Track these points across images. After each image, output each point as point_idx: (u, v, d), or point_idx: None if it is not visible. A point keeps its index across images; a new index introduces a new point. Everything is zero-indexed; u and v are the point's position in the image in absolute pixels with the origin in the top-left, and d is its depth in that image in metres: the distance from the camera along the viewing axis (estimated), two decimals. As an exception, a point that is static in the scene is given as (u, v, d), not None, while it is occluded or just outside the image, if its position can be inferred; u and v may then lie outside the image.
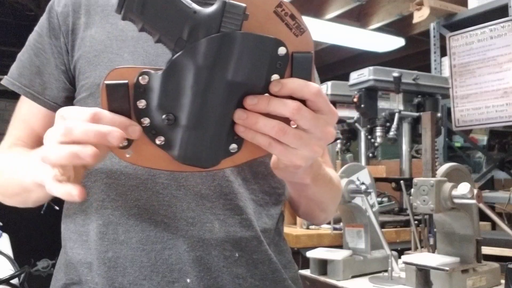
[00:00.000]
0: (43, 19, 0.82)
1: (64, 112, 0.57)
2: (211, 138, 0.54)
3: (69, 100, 0.81)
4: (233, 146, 0.56)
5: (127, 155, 0.56)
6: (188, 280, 0.71)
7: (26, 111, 0.83)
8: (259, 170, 0.79)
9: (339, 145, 2.40)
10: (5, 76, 0.82)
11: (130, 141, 0.55)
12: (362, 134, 2.32)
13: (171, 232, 0.72)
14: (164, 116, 0.53)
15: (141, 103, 0.54)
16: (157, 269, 0.71)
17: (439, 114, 2.14)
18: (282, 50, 0.52)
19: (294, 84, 0.53)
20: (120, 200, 0.74)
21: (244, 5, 0.51)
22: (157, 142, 0.55)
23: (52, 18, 0.81)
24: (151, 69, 0.54)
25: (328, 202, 0.85)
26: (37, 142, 0.78)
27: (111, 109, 0.54)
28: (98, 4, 0.80)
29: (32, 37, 0.83)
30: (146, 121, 0.55)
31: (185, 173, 0.70)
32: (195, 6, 0.51)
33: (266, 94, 0.53)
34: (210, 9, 0.51)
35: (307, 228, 1.90)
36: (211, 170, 0.57)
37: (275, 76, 0.53)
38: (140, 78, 0.54)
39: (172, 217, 0.73)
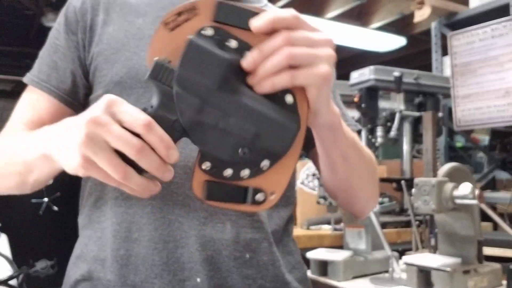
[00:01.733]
0: (61, 16, 0.84)
1: (116, 99, 0.54)
2: (273, 116, 0.53)
3: (85, 96, 0.83)
4: (288, 99, 0.54)
5: (272, 198, 0.57)
6: (198, 280, 0.72)
7: (36, 100, 0.82)
8: None
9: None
10: (27, 74, 0.84)
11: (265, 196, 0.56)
12: (363, 134, 2.31)
13: (184, 231, 0.73)
14: (240, 151, 0.54)
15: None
16: (169, 267, 0.72)
17: (440, 114, 2.13)
18: (207, 31, 0.53)
19: (268, 19, 0.52)
20: (134, 199, 0.74)
21: (155, 59, 0.53)
22: (263, 164, 0.55)
23: (70, 13, 0.82)
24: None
25: (365, 172, 0.80)
26: None
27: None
28: (116, 3, 0.82)
29: (51, 34, 0.85)
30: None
31: None
32: (151, 103, 0.54)
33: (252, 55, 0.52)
34: (156, 97, 0.53)
35: (308, 228, 1.89)
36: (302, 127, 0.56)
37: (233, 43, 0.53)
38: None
39: (186, 216, 0.73)
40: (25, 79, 0.84)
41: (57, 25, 0.84)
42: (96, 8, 0.81)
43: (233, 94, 0.53)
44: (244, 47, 0.53)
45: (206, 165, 0.55)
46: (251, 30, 0.53)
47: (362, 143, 0.82)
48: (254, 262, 0.76)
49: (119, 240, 0.74)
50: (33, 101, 0.82)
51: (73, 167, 0.55)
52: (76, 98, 0.82)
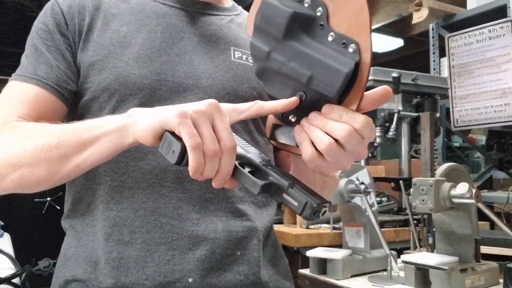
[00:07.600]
0: (46, 16, 0.82)
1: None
2: (326, 61, 0.56)
3: (75, 94, 0.81)
4: (351, 48, 0.56)
5: None
6: (190, 280, 0.74)
7: (35, 96, 0.78)
8: None
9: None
10: (16, 73, 0.80)
11: None
12: (362, 134, 2.31)
13: (177, 233, 0.75)
14: (299, 94, 0.60)
15: (291, 116, 0.62)
16: (160, 269, 0.74)
17: (438, 114, 2.15)
18: None
19: (336, 114, 0.57)
20: (125, 202, 0.75)
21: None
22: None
23: (57, 15, 0.81)
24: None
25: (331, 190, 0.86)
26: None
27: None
28: (100, 11, 0.82)
29: (38, 35, 0.81)
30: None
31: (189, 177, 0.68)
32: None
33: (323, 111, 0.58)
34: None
35: (307, 227, 1.91)
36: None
37: None
38: None
39: (178, 218, 0.75)
40: (19, 78, 0.79)
41: (43, 26, 0.81)
42: (83, 12, 0.81)
43: (296, 43, 0.59)
44: (316, 3, 0.59)
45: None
46: None
47: None
48: (245, 259, 0.78)
49: (111, 243, 0.75)
50: (27, 97, 0.77)
51: (171, 117, 0.57)
52: (71, 97, 0.80)
